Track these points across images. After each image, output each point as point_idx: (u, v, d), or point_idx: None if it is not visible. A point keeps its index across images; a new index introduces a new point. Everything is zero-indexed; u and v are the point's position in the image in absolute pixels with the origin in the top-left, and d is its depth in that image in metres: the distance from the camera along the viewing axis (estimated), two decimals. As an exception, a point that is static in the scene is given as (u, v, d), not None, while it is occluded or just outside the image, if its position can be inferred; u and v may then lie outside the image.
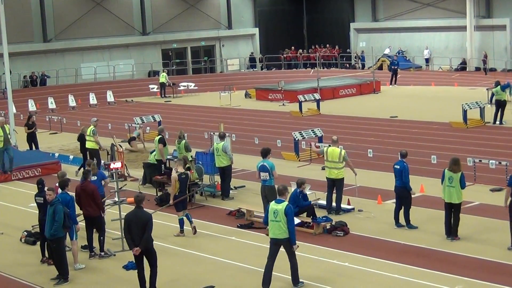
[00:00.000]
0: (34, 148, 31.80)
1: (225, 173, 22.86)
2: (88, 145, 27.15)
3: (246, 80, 57.77)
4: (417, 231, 18.54)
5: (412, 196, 19.00)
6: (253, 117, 41.02)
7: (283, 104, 45.10)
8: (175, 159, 24.51)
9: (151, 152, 25.64)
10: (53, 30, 56.78)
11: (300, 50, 65.43)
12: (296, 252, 14.97)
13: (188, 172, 19.78)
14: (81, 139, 27.78)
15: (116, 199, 18.94)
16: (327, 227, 18.82)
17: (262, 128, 36.53)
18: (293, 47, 65.42)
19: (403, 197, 18.86)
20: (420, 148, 29.04)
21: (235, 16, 65.58)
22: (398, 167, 18.90)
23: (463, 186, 17.66)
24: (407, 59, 60.25)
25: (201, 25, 63.57)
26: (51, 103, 47.67)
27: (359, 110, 41.21)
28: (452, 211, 17.71)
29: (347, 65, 63.56)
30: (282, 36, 67.00)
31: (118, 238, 18.11)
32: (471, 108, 34.11)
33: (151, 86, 54.60)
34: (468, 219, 18.99)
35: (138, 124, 34.20)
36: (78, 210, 17.64)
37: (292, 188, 19.82)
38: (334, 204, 20.40)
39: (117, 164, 18.94)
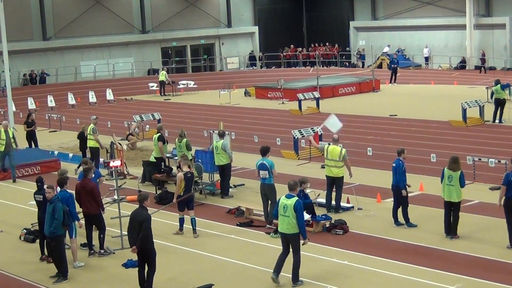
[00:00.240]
0: (33, 146, 31.79)
1: (225, 171, 22.83)
2: (90, 143, 27.11)
3: (246, 79, 57.76)
4: (416, 230, 18.54)
5: (408, 194, 18.98)
6: (252, 115, 41.01)
7: (283, 103, 45.09)
8: (175, 157, 24.58)
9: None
10: (52, 28, 56.76)
11: (300, 49, 65.43)
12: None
13: (194, 171, 19.62)
14: (81, 137, 27.77)
15: (116, 197, 18.92)
16: (327, 225, 18.82)
17: (262, 126, 36.53)
18: (292, 46, 65.44)
19: (400, 195, 18.85)
20: (420, 146, 29.03)
21: (235, 15, 65.57)
22: (394, 165, 18.93)
23: (462, 184, 17.65)
24: (407, 57, 60.23)
25: (200, 23, 63.57)
26: (51, 101, 47.66)
27: (358, 108, 41.20)
28: (452, 210, 17.71)
29: (347, 63, 63.54)
30: (282, 35, 66.98)
31: (117, 236, 18.10)
32: (470, 107, 34.10)
33: (150, 84, 54.59)
34: (468, 217, 18.98)
35: (136, 121, 34.19)
36: (78, 208, 17.64)
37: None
38: (333, 202, 20.40)
39: (116, 162, 18.91)
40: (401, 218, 18.92)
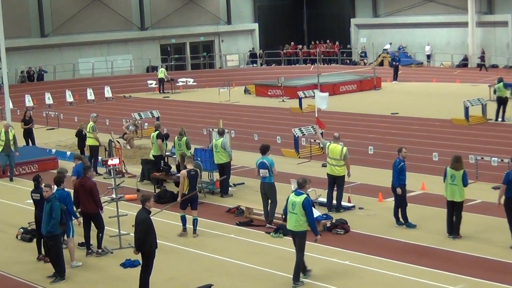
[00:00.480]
0: (30, 144, 31.73)
1: (224, 170, 22.78)
2: (89, 141, 26.97)
3: (246, 76, 57.71)
4: (418, 229, 18.48)
5: (407, 194, 18.90)
6: (252, 113, 40.95)
7: (283, 100, 45.04)
8: (173, 156, 24.54)
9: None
10: (50, 24, 56.68)
11: (300, 46, 65.37)
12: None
13: (198, 169, 19.46)
14: (79, 135, 27.69)
15: (114, 196, 18.86)
16: (328, 225, 18.76)
17: (262, 124, 36.48)
18: (293, 43, 65.38)
19: (397, 194, 18.78)
20: (421, 145, 29.00)
21: (235, 11, 65.48)
22: (393, 163, 18.89)
23: (465, 184, 17.60)
24: (408, 55, 60.18)
25: (200, 20, 63.49)
26: (48, 99, 47.57)
27: (359, 106, 41.17)
28: (454, 209, 17.66)
29: (348, 61, 63.48)
30: (282, 32, 66.93)
31: (115, 236, 18.05)
32: (472, 105, 34.08)
33: (149, 81, 54.52)
34: (470, 217, 18.92)
35: (134, 118, 34.10)
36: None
37: (292, 185, 19.76)
38: (334, 201, 20.35)
39: (114, 161, 18.85)
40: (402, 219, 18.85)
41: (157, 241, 14.76)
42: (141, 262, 15.02)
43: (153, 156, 24.66)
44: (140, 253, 14.63)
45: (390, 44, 60.72)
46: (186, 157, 19.81)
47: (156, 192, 22.79)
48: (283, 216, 19.14)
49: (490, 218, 19.14)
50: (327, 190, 20.57)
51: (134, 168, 26.66)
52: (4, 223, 20.87)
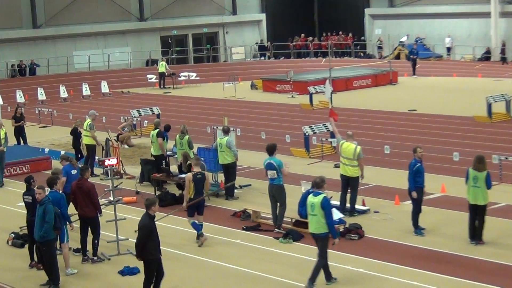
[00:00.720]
0: (22, 142, 31.78)
1: (229, 170, 22.79)
2: (85, 140, 26.92)
3: (252, 70, 57.75)
4: (438, 235, 18.45)
5: (424, 198, 18.86)
6: (259, 110, 40.98)
7: (292, 96, 45.05)
8: (175, 156, 24.55)
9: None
10: (43, 15, 56.78)
11: (311, 38, 65.31)
12: (310, 258, 14.94)
13: (205, 172, 19.40)
14: (74, 133, 27.70)
15: (111, 198, 18.88)
16: (341, 230, 18.74)
17: (270, 122, 36.49)
18: (303, 35, 65.31)
19: (413, 198, 18.73)
20: (441, 144, 28.97)
21: (240, 1, 65.51)
22: (409, 165, 18.85)
23: (489, 186, 17.57)
24: (427, 47, 60.10)
25: (203, 10, 63.53)
26: (41, 94, 47.71)
27: (374, 102, 41.16)
28: (477, 213, 17.63)
29: (362, 54, 63.44)
30: (291, 23, 66.84)
31: (113, 241, 18.07)
32: (496, 101, 34.02)
33: (149, 76, 54.62)
34: (494, 221, 18.88)
35: (130, 119, 34.16)
36: (73, 210, 17.63)
37: (302, 187, 19.76)
38: (348, 205, 20.33)
39: (112, 161, 18.86)
40: (421, 223, 18.80)
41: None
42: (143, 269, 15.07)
43: (153, 156, 24.68)
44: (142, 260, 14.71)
45: (407, 36, 60.59)
46: (193, 159, 19.67)
47: (157, 194, 22.81)
48: (293, 220, 19.22)
49: (515, 223, 19.17)
50: (340, 193, 20.56)
51: (133, 169, 26.70)
52: (-6, 227, 20.93)
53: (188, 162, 21.74)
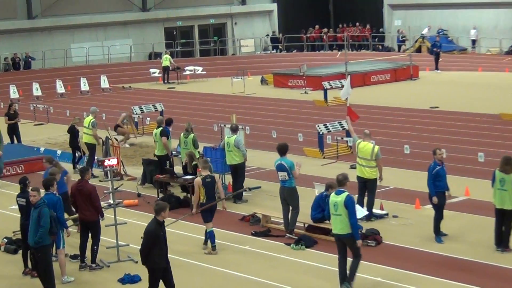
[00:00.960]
0: (16, 141, 31.83)
1: (238, 171, 22.80)
2: (85, 138, 26.98)
3: (262, 64, 57.81)
4: (461, 241, 18.41)
5: (447, 202, 18.81)
6: (270, 106, 40.99)
7: (305, 92, 45.07)
8: (178, 155, 24.55)
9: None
10: (39, 5, 56.92)
11: (325, 29, 65.32)
12: (324, 266, 14.94)
13: (214, 175, 19.32)
14: (72, 131, 27.74)
15: (111, 201, 18.90)
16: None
17: (281, 119, 36.50)
18: (317, 26, 65.36)
19: (434, 204, 18.67)
20: (465, 144, 28.94)
21: (250, -10, 65.67)
22: (428, 168, 18.78)
23: (516, 189, 17.54)
24: (450, 40, 59.99)
25: (210, 0, 63.56)
26: (36, 90, 47.77)
27: (394, 99, 41.15)
28: (504, 218, 17.58)
29: (380, 46, 63.39)
30: (305, 13, 66.90)
31: (113, 247, 18.08)
32: (524, 98, 34.02)
33: (152, 70, 54.72)
34: (522, 227, 18.85)
35: (127, 113, 34.18)
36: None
37: (316, 190, 19.73)
38: (365, 208, 20.31)
39: (112, 161, 18.87)
40: (444, 228, 18.76)
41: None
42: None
43: (157, 156, 24.67)
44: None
45: (429, 28, 60.48)
46: (201, 162, 19.58)
47: (159, 197, 22.82)
48: (306, 225, 19.20)
49: (545, 229, 19.07)
50: (356, 196, 20.52)
51: (134, 170, 26.73)
52: (-15, 232, 20.96)
53: (194, 162, 21.77)
